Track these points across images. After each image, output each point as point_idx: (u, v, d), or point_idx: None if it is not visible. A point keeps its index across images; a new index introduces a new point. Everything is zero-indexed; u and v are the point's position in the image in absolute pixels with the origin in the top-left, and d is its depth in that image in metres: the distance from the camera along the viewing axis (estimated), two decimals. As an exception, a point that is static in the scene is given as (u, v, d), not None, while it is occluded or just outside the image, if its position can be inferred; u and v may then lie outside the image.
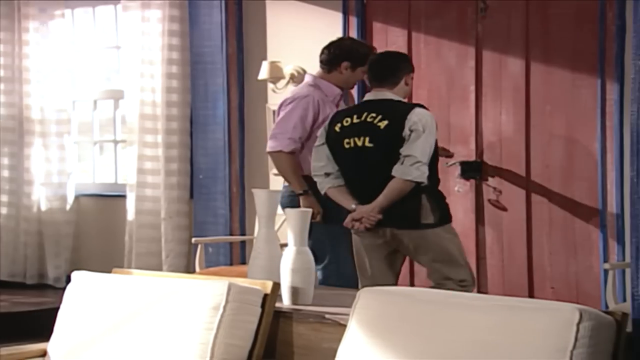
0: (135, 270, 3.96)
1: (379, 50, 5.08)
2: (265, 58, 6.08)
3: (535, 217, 5.29)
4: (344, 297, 3.59)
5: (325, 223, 4.67)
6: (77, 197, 7.06)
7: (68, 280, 3.64)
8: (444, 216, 4.33)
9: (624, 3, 4.88)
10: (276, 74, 5.96)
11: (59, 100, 7.01)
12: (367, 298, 3.00)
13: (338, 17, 5.86)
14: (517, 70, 5.32)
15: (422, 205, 4.25)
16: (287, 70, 5.98)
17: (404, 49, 5.60)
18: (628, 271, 4.61)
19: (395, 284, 4.43)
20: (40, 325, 3.88)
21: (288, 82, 5.95)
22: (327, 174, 4.41)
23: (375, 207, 4.24)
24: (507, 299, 2.93)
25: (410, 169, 4.16)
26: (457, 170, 5.44)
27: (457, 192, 5.46)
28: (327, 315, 3.27)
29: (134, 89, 6.52)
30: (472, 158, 5.44)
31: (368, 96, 4.43)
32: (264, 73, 5.96)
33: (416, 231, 4.27)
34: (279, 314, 3.34)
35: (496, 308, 2.74)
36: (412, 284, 5.49)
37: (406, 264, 4.82)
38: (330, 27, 5.85)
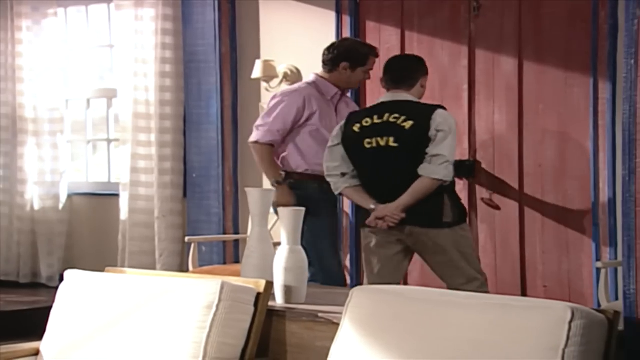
0: (128, 269, 3.96)
1: (374, 45, 5.14)
2: (258, 57, 6.08)
3: (528, 216, 5.30)
4: (337, 295, 3.60)
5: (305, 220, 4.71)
6: (70, 196, 7.05)
7: (61, 279, 3.64)
8: (462, 215, 4.46)
9: (616, 2, 4.89)
10: (270, 73, 5.96)
11: (52, 99, 6.99)
12: (360, 297, 3.00)
13: (331, 16, 5.87)
14: (510, 70, 5.33)
15: (445, 204, 4.36)
16: (281, 69, 5.98)
17: (397, 48, 5.62)
18: (620, 270, 4.62)
19: (399, 283, 4.46)
20: (33, 324, 3.87)
21: (281, 81, 5.95)
22: (343, 174, 4.48)
23: (400, 205, 4.31)
24: (500, 297, 2.94)
25: (439, 168, 4.27)
26: (450, 169, 5.46)
27: (450, 191, 5.47)
28: (320, 314, 3.27)
29: (127, 87, 6.52)
30: (465, 157, 5.45)
31: (385, 97, 4.50)
32: (257, 72, 5.96)
33: (436, 230, 4.35)
34: (272, 312, 3.35)
35: (489, 306, 2.75)
36: (405, 283, 5.49)
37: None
38: (323, 26, 5.86)
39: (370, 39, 5.67)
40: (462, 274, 4.36)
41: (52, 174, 6.99)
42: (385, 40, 5.69)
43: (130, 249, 6.47)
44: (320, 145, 4.89)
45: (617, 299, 4.82)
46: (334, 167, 4.51)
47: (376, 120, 4.40)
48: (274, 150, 5.01)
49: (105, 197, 6.92)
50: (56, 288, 3.62)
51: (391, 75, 4.50)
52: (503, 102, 5.36)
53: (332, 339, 3.00)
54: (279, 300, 3.49)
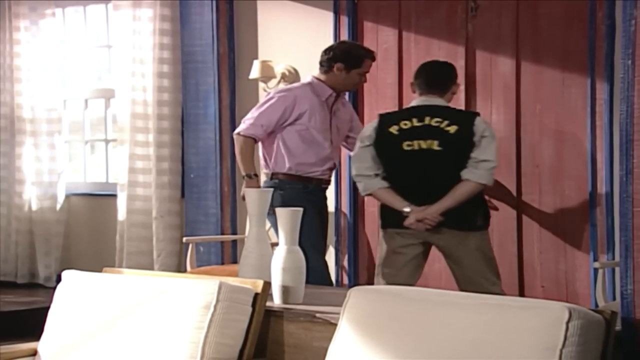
0: (126, 270, 3.96)
1: (371, 49, 5.14)
2: (256, 57, 6.08)
3: (525, 216, 5.30)
4: (335, 296, 3.61)
5: None
6: (68, 196, 7.05)
7: (59, 279, 3.63)
8: (488, 219, 4.54)
9: (613, 3, 4.89)
10: (267, 74, 5.96)
11: (50, 99, 6.99)
12: (358, 297, 3.00)
13: (329, 16, 5.87)
14: (508, 70, 5.33)
15: (478, 209, 4.45)
16: (279, 69, 5.98)
17: (394, 48, 5.62)
18: (617, 270, 4.63)
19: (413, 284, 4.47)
20: (30, 324, 3.86)
21: (279, 82, 5.95)
22: (376, 175, 4.49)
23: (441, 208, 4.35)
24: (497, 297, 2.95)
25: (485, 173, 4.33)
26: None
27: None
28: (317, 314, 3.27)
29: (125, 88, 6.51)
30: (463, 157, 5.44)
31: (418, 101, 4.52)
32: (255, 72, 5.97)
33: (470, 232, 4.41)
34: (270, 313, 3.35)
35: (486, 306, 2.75)
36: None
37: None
38: (321, 26, 5.86)
39: (368, 39, 5.68)
40: (485, 279, 4.40)
41: (49, 174, 6.99)
42: (383, 40, 5.69)
43: (128, 249, 6.47)
44: (308, 145, 4.91)
45: (614, 299, 4.82)
46: (365, 167, 4.51)
47: (416, 123, 4.41)
48: (264, 149, 5.01)
49: (103, 198, 6.92)
50: (54, 288, 3.62)
51: (426, 79, 4.54)
52: (500, 103, 5.36)
53: (329, 339, 3.00)
54: (276, 301, 3.49)
